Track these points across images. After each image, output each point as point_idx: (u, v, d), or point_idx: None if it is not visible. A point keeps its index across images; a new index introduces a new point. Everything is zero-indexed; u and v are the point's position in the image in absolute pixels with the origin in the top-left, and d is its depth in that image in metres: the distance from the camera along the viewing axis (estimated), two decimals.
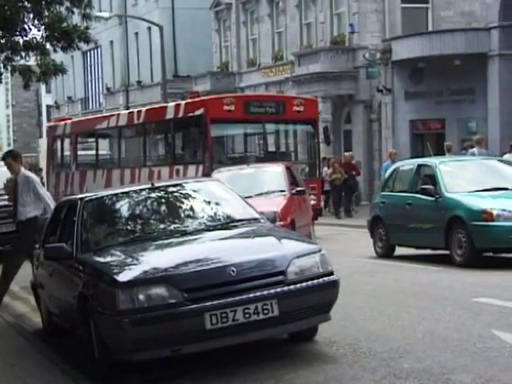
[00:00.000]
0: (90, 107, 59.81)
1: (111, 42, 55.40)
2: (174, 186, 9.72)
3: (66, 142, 29.10)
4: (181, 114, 21.97)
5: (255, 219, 9.00)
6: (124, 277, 7.47)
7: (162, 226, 8.81)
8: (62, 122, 30.16)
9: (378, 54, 32.03)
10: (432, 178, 14.98)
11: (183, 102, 22.94)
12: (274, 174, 16.44)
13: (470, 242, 13.73)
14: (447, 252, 14.39)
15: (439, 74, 29.57)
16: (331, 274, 7.89)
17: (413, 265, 14.63)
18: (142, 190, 9.45)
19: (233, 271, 7.43)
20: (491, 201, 14.03)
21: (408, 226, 15.37)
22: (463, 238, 13.85)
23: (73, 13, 16.00)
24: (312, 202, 19.46)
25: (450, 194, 14.46)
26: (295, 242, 8.34)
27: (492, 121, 28.88)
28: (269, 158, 20.33)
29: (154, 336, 7.22)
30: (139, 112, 24.69)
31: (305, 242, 8.36)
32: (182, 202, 9.34)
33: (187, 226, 8.72)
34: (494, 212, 13.61)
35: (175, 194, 9.44)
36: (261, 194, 15.34)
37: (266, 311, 7.37)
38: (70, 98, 63.29)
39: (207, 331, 7.26)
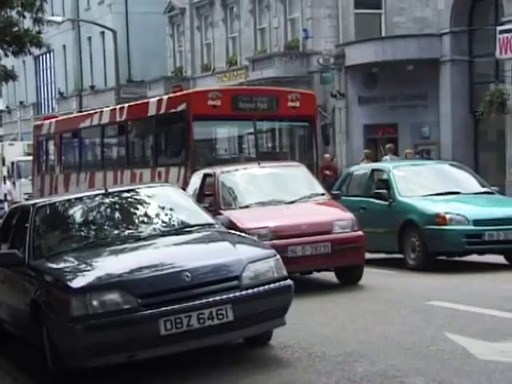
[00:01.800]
0: (43, 112, 59.29)
1: (64, 47, 55.03)
2: (128, 191, 9.67)
3: (51, 142, 27.58)
4: (163, 111, 20.18)
5: (210, 224, 8.99)
6: (77, 283, 7.42)
7: (115, 231, 8.76)
8: (47, 121, 28.39)
9: (332, 59, 32.21)
10: (386, 183, 15.09)
11: (165, 97, 21.07)
12: (300, 175, 13.98)
13: (424, 245, 13.85)
14: (401, 256, 14.50)
15: (392, 79, 29.82)
16: (286, 278, 7.91)
17: (366, 269, 14.65)
18: (95, 195, 9.39)
19: (187, 276, 7.41)
20: (444, 205, 14.16)
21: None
22: (417, 241, 13.97)
23: (24, 17, 15.88)
24: None
25: (403, 198, 14.58)
26: (250, 246, 8.33)
27: (444, 126, 29.18)
28: (261, 159, 17.88)
29: (108, 342, 7.18)
30: (122, 109, 22.93)
31: (259, 247, 8.35)
32: (136, 208, 9.30)
33: (141, 232, 8.69)
34: (447, 216, 13.74)
35: (129, 199, 9.39)
36: (303, 199, 13.18)
37: (220, 316, 7.36)
38: (21, 102, 62.75)
39: (162, 337, 7.23)
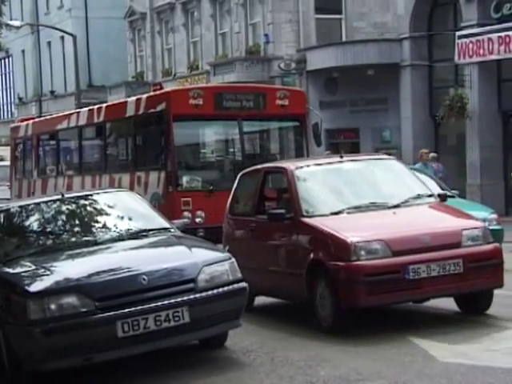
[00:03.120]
0: (2, 117, 58.89)
1: (23, 51, 54.62)
2: (85, 196, 9.71)
3: (28, 145, 26.39)
4: (141, 111, 18.98)
5: (166, 229, 9.06)
6: (35, 287, 7.49)
7: (72, 236, 8.83)
8: (24, 123, 27.37)
9: (293, 63, 32.26)
10: None
11: (144, 97, 19.92)
12: (394, 170, 10.88)
13: None
14: None
15: (353, 84, 29.92)
16: (240, 281, 8.05)
17: None
18: (52, 201, 9.43)
19: (144, 279, 7.50)
20: None
21: None
22: None
23: None
24: None
25: None
26: (205, 250, 8.43)
27: (405, 130, 29.33)
28: (247, 161, 16.89)
29: (65, 345, 7.22)
30: (99, 109, 21.60)
31: (215, 251, 8.48)
32: (93, 213, 9.35)
33: (98, 237, 8.73)
34: None
35: (86, 204, 9.42)
36: (408, 201, 10.07)
37: (177, 318, 7.46)
38: None
39: (119, 339, 7.29)
